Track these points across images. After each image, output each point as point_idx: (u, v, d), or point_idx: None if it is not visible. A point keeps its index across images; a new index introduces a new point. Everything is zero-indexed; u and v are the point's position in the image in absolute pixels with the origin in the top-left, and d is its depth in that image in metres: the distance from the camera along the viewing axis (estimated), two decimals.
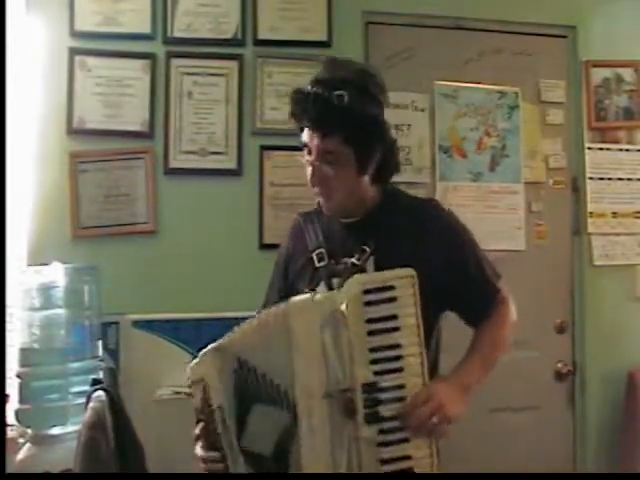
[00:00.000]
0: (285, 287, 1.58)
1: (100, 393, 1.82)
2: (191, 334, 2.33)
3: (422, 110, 2.67)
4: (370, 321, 1.27)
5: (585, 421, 2.76)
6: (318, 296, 1.30)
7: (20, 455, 1.95)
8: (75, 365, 2.04)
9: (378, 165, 1.46)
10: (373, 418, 1.24)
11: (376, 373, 1.26)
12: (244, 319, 2.23)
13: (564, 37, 2.84)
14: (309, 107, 1.39)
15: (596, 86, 2.83)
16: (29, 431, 2.00)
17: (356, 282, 1.30)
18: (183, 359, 2.30)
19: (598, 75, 2.83)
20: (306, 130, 1.43)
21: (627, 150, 2.85)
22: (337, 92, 1.36)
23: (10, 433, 2.08)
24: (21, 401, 2.00)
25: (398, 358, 1.26)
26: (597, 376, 2.75)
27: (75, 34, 2.43)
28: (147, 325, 2.32)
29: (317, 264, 1.47)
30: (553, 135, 2.81)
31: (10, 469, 1.87)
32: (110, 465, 1.67)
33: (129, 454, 1.76)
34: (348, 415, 1.23)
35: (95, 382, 1.93)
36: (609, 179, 2.83)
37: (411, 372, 1.27)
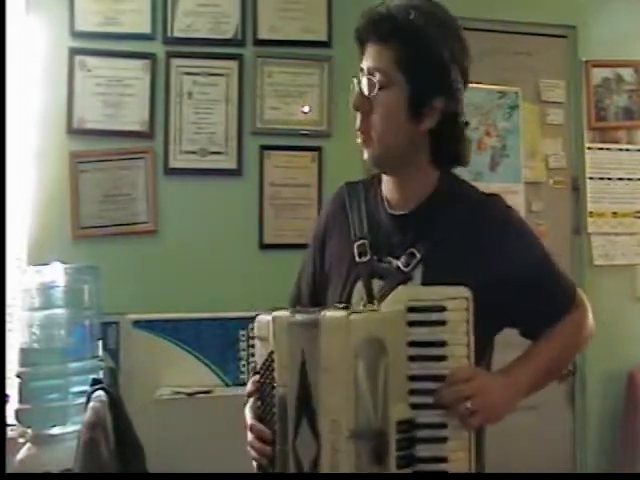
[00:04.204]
0: (321, 268, 1.35)
1: (100, 393, 1.83)
2: (191, 334, 2.33)
3: None
4: (413, 344, 1.07)
5: (585, 421, 2.76)
6: (354, 316, 1.07)
7: (20, 455, 1.95)
8: (75, 365, 2.05)
9: (437, 136, 1.30)
10: (406, 462, 1.05)
11: (414, 406, 1.06)
12: (244, 319, 2.30)
13: (564, 37, 2.84)
14: (372, 16, 1.30)
15: (596, 86, 2.83)
16: (29, 431, 2.00)
17: (401, 297, 1.09)
18: (183, 359, 2.31)
19: (598, 75, 2.83)
20: (365, 51, 1.32)
21: (627, 150, 2.85)
22: (407, 10, 1.23)
23: (10, 433, 2.08)
24: (21, 401, 2.01)
25: None
26: (597, 376, 2.75)
27: (75, 34, 2.43)
28: (147, 325, 2.32)
29: (357, 259, 1.26)
30: (553, 135, 2.81)
31: (10, 469, 1.87)
32: (110, 465, 1.67)
33: (129, 454, 1.77)
34: (377, 461, 1.04)
35: (95, 382, 1.93)
36: (609, 179, 2.82)
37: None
